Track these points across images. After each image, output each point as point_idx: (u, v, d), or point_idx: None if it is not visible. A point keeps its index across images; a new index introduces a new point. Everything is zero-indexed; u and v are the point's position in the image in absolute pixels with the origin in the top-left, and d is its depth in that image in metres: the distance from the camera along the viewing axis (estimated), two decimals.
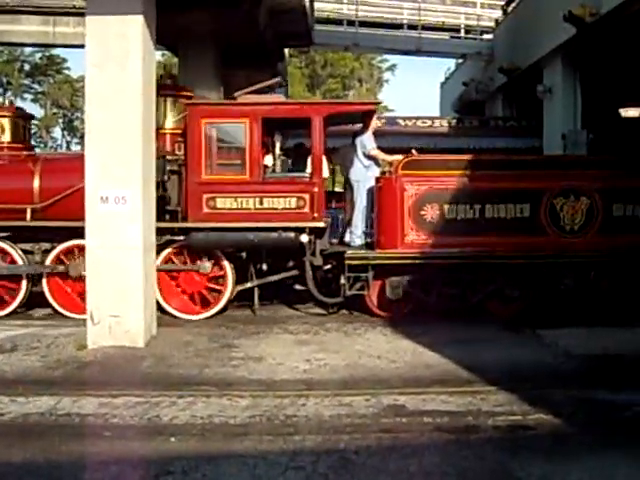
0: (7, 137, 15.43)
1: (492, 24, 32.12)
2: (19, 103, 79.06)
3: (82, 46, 12.58)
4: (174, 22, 16.36)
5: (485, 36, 32.93)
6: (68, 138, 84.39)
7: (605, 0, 17.29)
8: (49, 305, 14.52)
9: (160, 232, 13.76)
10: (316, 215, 13.90)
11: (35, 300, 14.89)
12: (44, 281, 14.43)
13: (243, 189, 13.98)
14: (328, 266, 14.64)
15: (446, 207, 13.74)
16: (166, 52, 32.57)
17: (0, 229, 14.49)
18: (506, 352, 11.39)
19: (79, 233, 13.25)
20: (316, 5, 27.15)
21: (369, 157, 14.50)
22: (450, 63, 40.83)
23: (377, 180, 14.25)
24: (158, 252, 13.87)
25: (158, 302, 13.80)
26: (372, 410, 8.57)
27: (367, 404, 8.77)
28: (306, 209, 13.93)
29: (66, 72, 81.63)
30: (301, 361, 10.89)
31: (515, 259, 13.69)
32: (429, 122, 26.52)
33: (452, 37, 34.31)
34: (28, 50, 73.83)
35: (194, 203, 13.98)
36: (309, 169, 14.30)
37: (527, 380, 9.76)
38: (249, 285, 14.52)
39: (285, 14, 20.66)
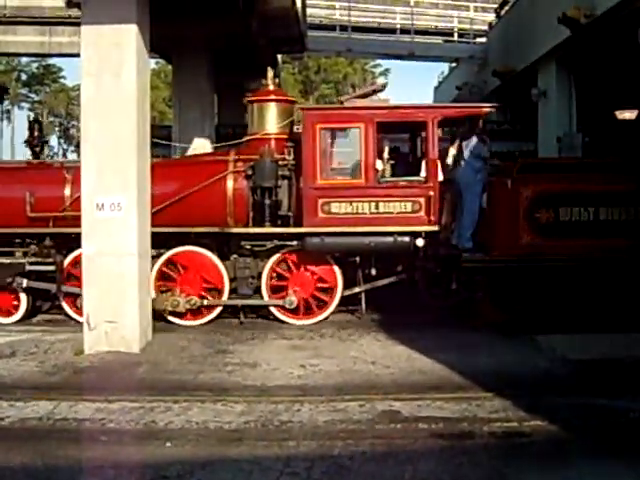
0: None
1: (485, 27, 32.16)
2: (16, 112, 79.51)
3: (77, 55, 12.69)
4: (168, 30, 16.41)
5: (478, 40, 32.98)
6: (64, 146, 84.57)
7: (599, 1, 17.30)
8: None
9: (271, 237, 14.01)
10: (432, 219, 13.90)
11: None
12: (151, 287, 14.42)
13: (358, 194, 13.93)
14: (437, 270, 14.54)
15: (560, 210, 13.55)
16: (160, 60, 32.66)
17: None
18: (502, 358, 11.39)
19: (189, 239, 13.83)
20: (308, 11, 27.22)
21: (479, 160, 14.37)
22: (443, 67, 41.03)
23: (489, 183, 14.19)
24: (268, 256, 14.12)
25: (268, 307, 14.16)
26: (367, 416, 8.61)
27: (362, 410, 8.81)
28: (421, 213, 13.90)
29: (62, 81, 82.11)
30: (296, 367, 10.93)
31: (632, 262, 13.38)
32: None
33: (445, 41, 34.40)
34: (25, 60, 74.12)
35: (309, 208, 13.94)
36: (423, 173, 14.22)
37: (523, 386, 9.79)
38: (357, 290, 14.49)
39: (278, 20, 20.68)
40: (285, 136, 14.87)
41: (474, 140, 14.30)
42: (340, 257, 14.36)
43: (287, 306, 14.19)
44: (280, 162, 14.38)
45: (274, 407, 8.95)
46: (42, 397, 9.38)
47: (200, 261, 14.40)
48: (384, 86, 17.08)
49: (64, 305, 14.46)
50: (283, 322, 14.25)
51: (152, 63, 18.36)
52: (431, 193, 13.91)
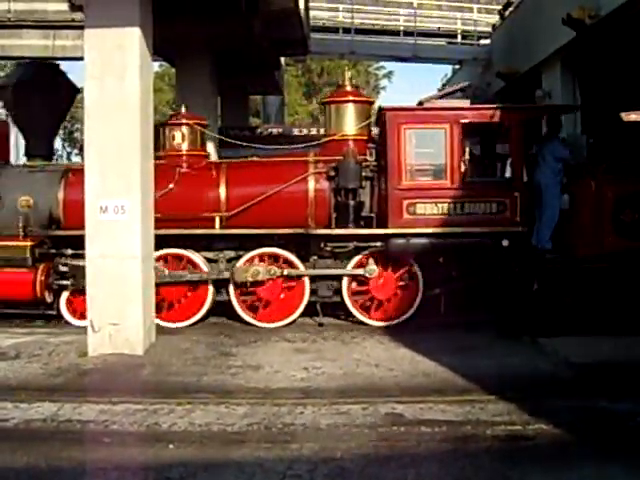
0: (186, 145, 15.27)
1: (489, 29, 32.09)
2: None
3: (81, 59, 12.69)
4: (171, 33, 16.43)
5: (482, 41, 32.90)
6: (68, 149, 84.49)
7: (604, 2, 17.21)
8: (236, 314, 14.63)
9: (352, 239, 14.10)
10: (517, 220, 13.91)
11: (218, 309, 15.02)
12: (231, 288, 14.52)
13: (444, 194, 13.95)
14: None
15: None
16: (163, 62, 32.66)
17: (191, 237, 14.55)
18: (505, 360, 11.37)
19: (269, 240, 13.95)
20: (312, 13, 27.23)
21: (559, 162, 14.36)
22: (447, 69, 40.94)
23: (572, 185, 14.23)
24: (349, 257, 14.22)
25: (349, 309, 14.22)
26: (369, 419, 8.60)
27: (364, 413, 8.80)
28: (507, 214, 13.93)
29: None
30: (298, 369, 10.94)
31: None
32: None
33: (449, 43, 34.32)
34: None
35: (394, 209, 13.97)
36: (508, 173, 14.30)
37: (527, 389, 9.78)
38: (438, 291, 14.43)
39: (280, 23, 20.69)
40: (364, 137, 14.90)
41: (555, 142, 14.39)
42: (422, 258, 14.31)
43: (367, 275, 14.22)
44: (362, 163, 14.39)
45: (277, 409, 8.95)
46: (46, 399, 9.40)
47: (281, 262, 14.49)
48: (467, 86, 17.08)
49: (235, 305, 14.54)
50: (364, 324, 14.26)
51: (155, 66, 18.41)
52: (516, 194, 13.93)
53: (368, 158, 14.58)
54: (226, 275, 14.35)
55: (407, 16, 33.45)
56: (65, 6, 16.45)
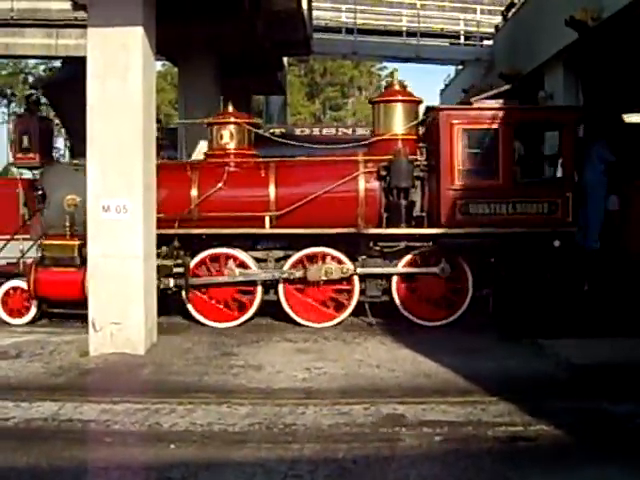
0: (234, 144, 15.18)
1: (492, 30, 32.09)
2: None
3: (84, 58, 12.69)
4: (174, 32, 16.45)
5: (485, 42, 32.93)
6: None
7: (607, 4, 17.20)
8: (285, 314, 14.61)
9: (402, 238, 14.08)
10: (569, 220, 13.87)
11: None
12: (280, 288, 14.51)
13: (496, 194, 13.91)
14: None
15: None
16: (166, 62, 32.68)
17: (240, 237, 14.54)
18: (506, 362, 11.34)
19: (317, 241, 13.98)
20: (314, 13, 27.21)
21: (605, 163, 14.41)
22: (450, 70, 40.90)
23: (621, 186, 14.23)
24: (399, 257, 14.17)
25: (398, 308, 14.19)
26: (371, 419, 8.59)
27: (366, 413, 8.79)
28: (559, 214, 13.87)
29: None
30: (300, 369, 10.93)
31: None
32: None
33: (451, 44, 34.35)
34: (32, 62, 74.08)
35: (447, 209, 13.94)
36: (559, 173, 14.28)
37: (528, 390, 9.75)
38: (486, 292, 14.40)
39: (283, 23, 20.70)
40: (413, 136, 14.87)
41: (601, 143, 14.45)
42: (471, 258, 14.29)
43: (440, 274, 14.17)
44: (415, 163, 14.39)
45: (278, 410, 8.94)
46: (47, 398, 9.40)
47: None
48: (513, 86, 17.07)
49: (189, 307, 14.51)
50: (413, 323, 14.22)
51: (158, 65, 18.41)
52: (568, 194, 13.88)
53: (418, 157, 14.53)
54: (298, 275, 14.31)
55: (410, 17, 33.44)
56: (68, 5, 16.40)
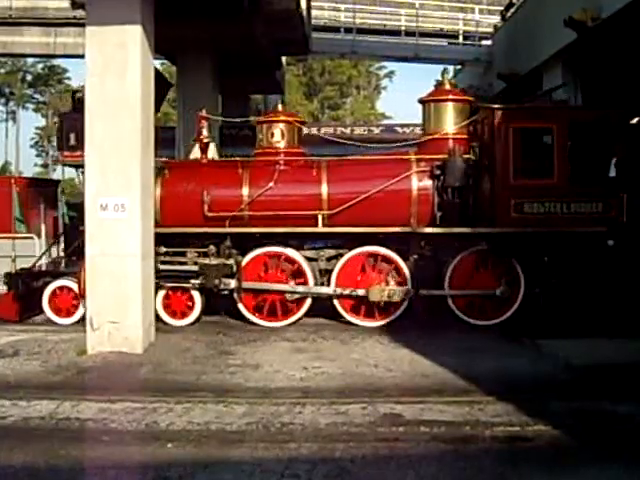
0: (284, 143, 15.15)
1: (491, 30, 32.11)
2: (22, 113, 79.70)
3: (82, 56, 12.71)
4: (172, 32, 16.42)
5: (484, 42, 32.93)
6: None
7: (606, 4, 17.22)
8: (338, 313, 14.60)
9: (456, 237, 14.13)
10: (623, 219, 13.80)
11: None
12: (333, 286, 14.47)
13: (551, 193, 13.84)
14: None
15: None
16: (165, 61, 32.67)
17: (290, 236, 14.57)
18: (504, 362, 11.36)
19: (369, 240, 14.01)
20: (313, 13, 27.24)
21: None
22: (448, 70, 40.85)
23: None
24: (454, 256, 14.16)
25: (450, 307, 14.17)
26: (368, 419, 8.59)
27: (364, 413, 8.79)
28: (613, 213, 13.80)
29: (67, 82, 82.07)
30: (298, 369, 10.93)
31: None
32: None
33: (450, 43, 34.36)
34: (30, 61, 74.23)
35: (501, 208, 13.89)
36: (614, 173, 14.16)
37: (526, 390, 9.77)
38: (538, 290, 14.31)
39: (282, 22, 20.70)
40: (464, 135, 14.83)
41: None
42: (524, 257, 14.22)
43: (500, 295, 14.10)
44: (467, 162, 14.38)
45: (276, 409, 8.94)
46: (45, 396, 9.41)
47: (382, 261, 14.47)
48: (563, 84, 17.05)
49: (240, 306, 14.52)
50: (468, 324, 14.19)
51: (156, 63, 18.34)
52: (622, 194, 13.85)
53: (472, 156, 14.49)
54: (359, 294, 14.23)
55: (409, 16, 33.43)
56: (66, 3, 16.45)
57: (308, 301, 14.49)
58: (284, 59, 32.10)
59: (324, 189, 14.46)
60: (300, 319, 14.52)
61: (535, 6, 24.26)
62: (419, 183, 14.40)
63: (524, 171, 13.97)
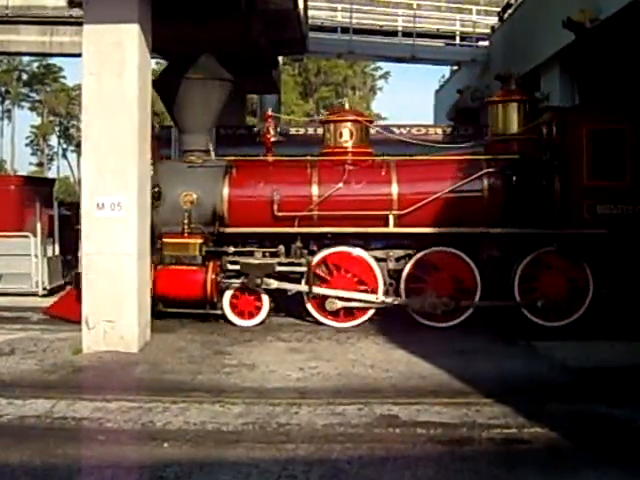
0: (353, 142, 15.10)
1: (488, 31, 32.07)
2: (17, 111, 79.70)
3: (79, 55, 12.70)
4: (169, 31, 16.37)
5: (481, 43, 32.88)
6: (64, 146, 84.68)
7: (605, 6, 17.19)
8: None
9: (526, 238, 14.10)
10: None
11: None
12: (402, 289, 14.45)
13: (623, 195, 13.82)
14: None
15: None
16: (161, 60, 32.59)
17: (358, 236, 14.53)
18: (501, 364, 11.37)
19: (439, 240, 14.01)
20: (310, 12, 27.14)
21: None
22: (445, 70, 40.90)
23: None
24: (523, 256, 14.11)
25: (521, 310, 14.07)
26: (365, 420, 8.58)
27: (360, 414, 8.78)
28: None
29: (63, 81, 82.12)
30: (294, 369, 10.93)
31: None
32: (423, 130, 26.55)
33: (447, 44, 34.30)
34: (26, 59, 74.21)
35: (574, 209, 13.87)
36: None
37: (522, 392, 9.75)
38: (605, 291, 14.26)
39: (279, 22, 20.62)
40: (533, 136, 14.75)
41: None
42: (594, 259, 14.15)
43: (539, 306, 14.09)
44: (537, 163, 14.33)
45: (272, 409, 8.94)
46: (41, 395, 9.39)
47: (451, 262, 14.47)
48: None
49: (309, 307, 14.51)
50: (535, 324, 14.15)
51: (153, 64, 18.21)
52: None
53: (543, 157, 14.41)
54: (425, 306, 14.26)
55: (406, 17, 33.38)
56: (63, 2, 16.40)
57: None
58: (280, 59, 32.02)
59: (394, 189, 14.45)
60: (370, 319, 14.47)
61: (533, 7, 24.22)
62: (490, 183, 14.39)
63: (597, 173, 13.92)
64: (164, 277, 14.10)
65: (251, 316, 14.41)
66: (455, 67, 36.93)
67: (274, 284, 14.23)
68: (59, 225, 19.87)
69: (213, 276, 14.11)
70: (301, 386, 10.11)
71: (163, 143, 17.95)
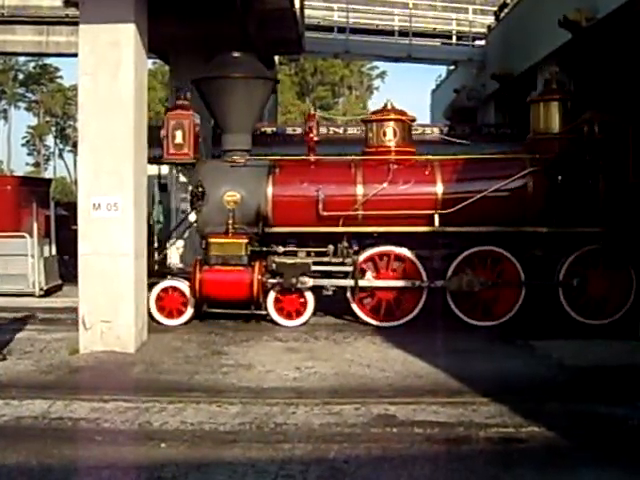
0: (396, 141, 15.08)
1: (484, 30, 32.08)
2: (13, 111, 79.58)
3: (75, 55, 12.68)
4: (165, 30, 16.38)
5: (477, 42, 32.88)
6: (61, 146, 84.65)
7: (601, 4, 17.21)
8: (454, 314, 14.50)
9: (572, 237, 14.07)
10: None
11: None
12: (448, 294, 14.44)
13: None
14: None
15: None
16: (157, 60, 32.61)
17: (403, 235, 14.48)
18: (498, 363, 11.37)
19: (483, 239, 14.03)
20: (306, 12, 27.13)
21: None
22: (441, 70, 40.89)
23: None
24: (567, 255, 14.15)
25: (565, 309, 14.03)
26: (362, 419, 8.57)
27: (357, 413, 8.78)
28: None
29: (59, 81, 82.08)
30: (291, 369, 10.93)
31: None
32: (420, 129, 26.48)
33: (443, 44, 34.30)
34: (22, 59, 74.14)
35: (619, 208, 13.84)
36: None
37: (519, 392, 9.75)
38: None
39: (275, 21, 20.64)
40: (575, 135, 14.68)
41: None
42: (638, 258, 14.09)
43: (575, 284, 14.10)
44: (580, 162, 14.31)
45: (269, 409, 8.93)
46: (37, 396, 9.38)
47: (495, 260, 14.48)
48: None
49: (354, 307, 14.51)
50: (580, 323, 14.10)
51: (149, 63, 18.16)
52: None
53: (584, 156, 14.40)
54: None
55: (402, 16, 33.38)
56: (59, 2, 16.36)
57: (422, 300, 14.40)
58: (276, 58, 32.00)
59: (439, 188, 14.46)
60: (416, 319, 14.45)
61: (529, 6, 24.24)
62: (534, 183, 14.36)
63: None
64: (211, 278, 14.09)
65: (297, 316, 14.42)
66: (452, 67, 36.93)
67: (309, 282, 14.23)
68: (56, 225, 19.85)
69: (259, 276, 14.08)
70: (298, 386, 10.10)
71: (155, 144, 17.87)
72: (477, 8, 35.09)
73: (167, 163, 16.50)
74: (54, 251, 19.64)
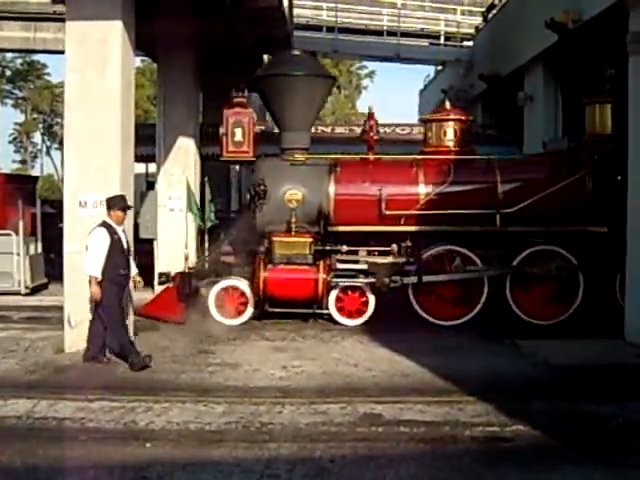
0: (456, 141, 15.17)
1: (472, 31, 32.12)
2: (0, 108, 79.24)
3: (62, 52, 12.63)
4: (153, 28, 16.33)
5: (465, 43, 32.93)
6: (48, 143, 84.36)
7: (587, 7, 17.26)
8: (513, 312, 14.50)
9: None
10: None
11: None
12: (507, 286, 14.47)
13: None
14: None
15: None
16: (145, 58, 32.52)
17: (462, 235, 14.56)
18: (484, 362, 11.40)
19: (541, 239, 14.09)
20: (295, 11, 27.11)
21: None
22: (429, 70, 40.87)
23: None
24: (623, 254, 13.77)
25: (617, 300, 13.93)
26: (348, 419, 8.58)
27: (343, 412, 8.78)
28: None
29: (46, 78, 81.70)
30: (277, 368, 10.92)
31: None
32: (408, 129, 26.51)
33: (431, 44, 34.32)
34: (9, 56, 73.77)
35: None
36: None
37: (505, 391, 9.78)
38: None
39: (264, 20, 20.59)
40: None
41: None
42: None
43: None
44: None
45: (255, 408, 8.92)
46: (22, 395, 9.34)
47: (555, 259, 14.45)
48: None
49: (415, 306, 14.53)
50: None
51: (137, 61, 18.17)
52: None
53: None
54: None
55: (390, 16, 33.39)
56: None
57: (483, 297, 14.44)
58: (266, 57, 31.98)
59: (500, 188, 14.51)
60: (477, 316, 14.47)
61: (516, 7, 24.26)
62: (593, 183, 14.44)
63: None
64: (276, 277, 14.12)
65: (358, 315, 14.43)
66: (440, 67, 36.94)
67: (404, 280, 14.28)
68: (42, 223, 19.78)
69: (324, 275, 14.08)
70: (284, 385, 10.09)
71: (146, 142, 17.82)
72: (465, 9, 35.11)
73: (226, 161, 16.42)
74: (40, 249, 19.56)
